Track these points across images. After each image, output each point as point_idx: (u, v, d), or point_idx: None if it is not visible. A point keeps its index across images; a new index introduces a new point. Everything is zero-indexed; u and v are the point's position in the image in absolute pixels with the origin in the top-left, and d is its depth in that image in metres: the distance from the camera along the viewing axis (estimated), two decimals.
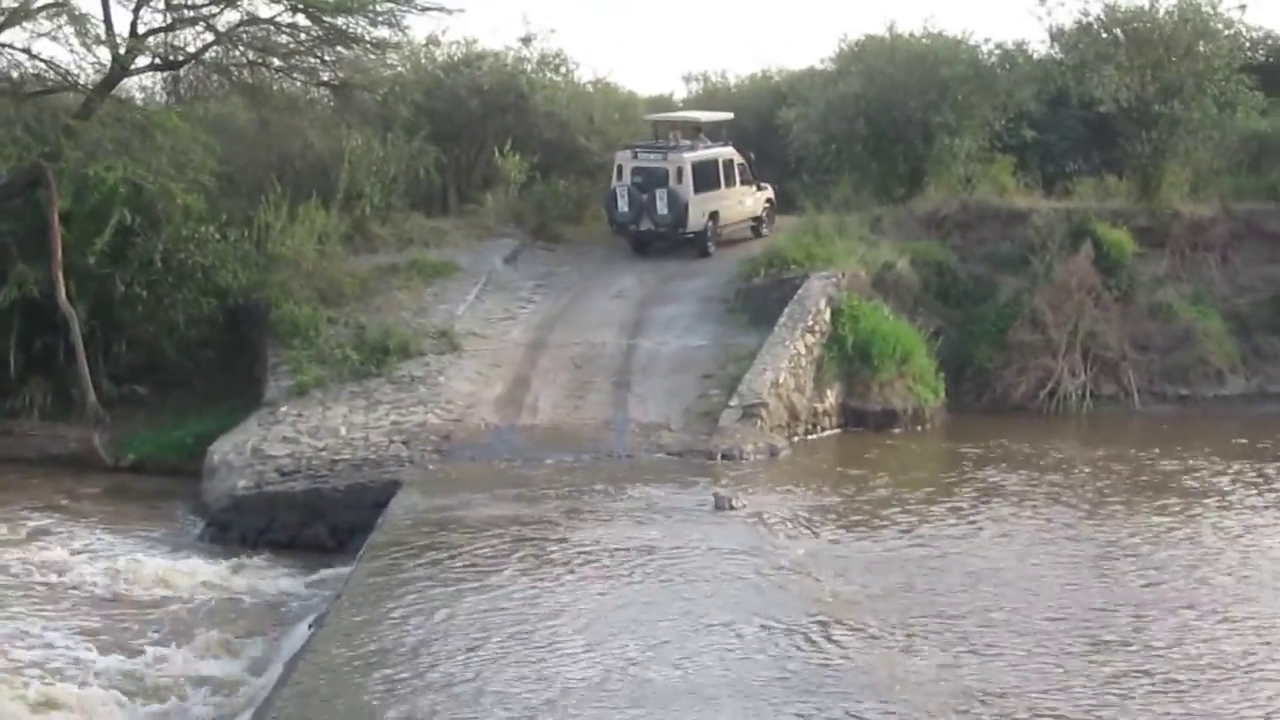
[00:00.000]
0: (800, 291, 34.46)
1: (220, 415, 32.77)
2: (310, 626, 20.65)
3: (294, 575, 25.12)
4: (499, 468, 28.11)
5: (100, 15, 35.47)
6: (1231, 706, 17.33)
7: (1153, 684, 17.81)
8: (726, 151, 42.18)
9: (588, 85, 48.05)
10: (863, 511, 25.99)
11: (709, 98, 52.63)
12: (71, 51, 35.89)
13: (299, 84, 39.32)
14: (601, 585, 20.63)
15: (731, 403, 30.86)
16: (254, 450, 29.66)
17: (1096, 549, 24.06)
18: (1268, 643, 19.57)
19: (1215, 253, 40.20)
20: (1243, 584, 22.31)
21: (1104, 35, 42.89)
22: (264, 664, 20.30)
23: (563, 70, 47.59)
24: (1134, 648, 19.15)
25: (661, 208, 40.03)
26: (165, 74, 39.45)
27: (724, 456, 28.97)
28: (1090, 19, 42.93)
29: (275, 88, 38.68)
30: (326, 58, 38.35)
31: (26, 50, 35.80)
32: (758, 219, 42.79)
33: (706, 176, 40.74)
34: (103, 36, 35.40)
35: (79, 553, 26.07)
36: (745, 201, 42.41)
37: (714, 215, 40.85)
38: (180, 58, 37.71)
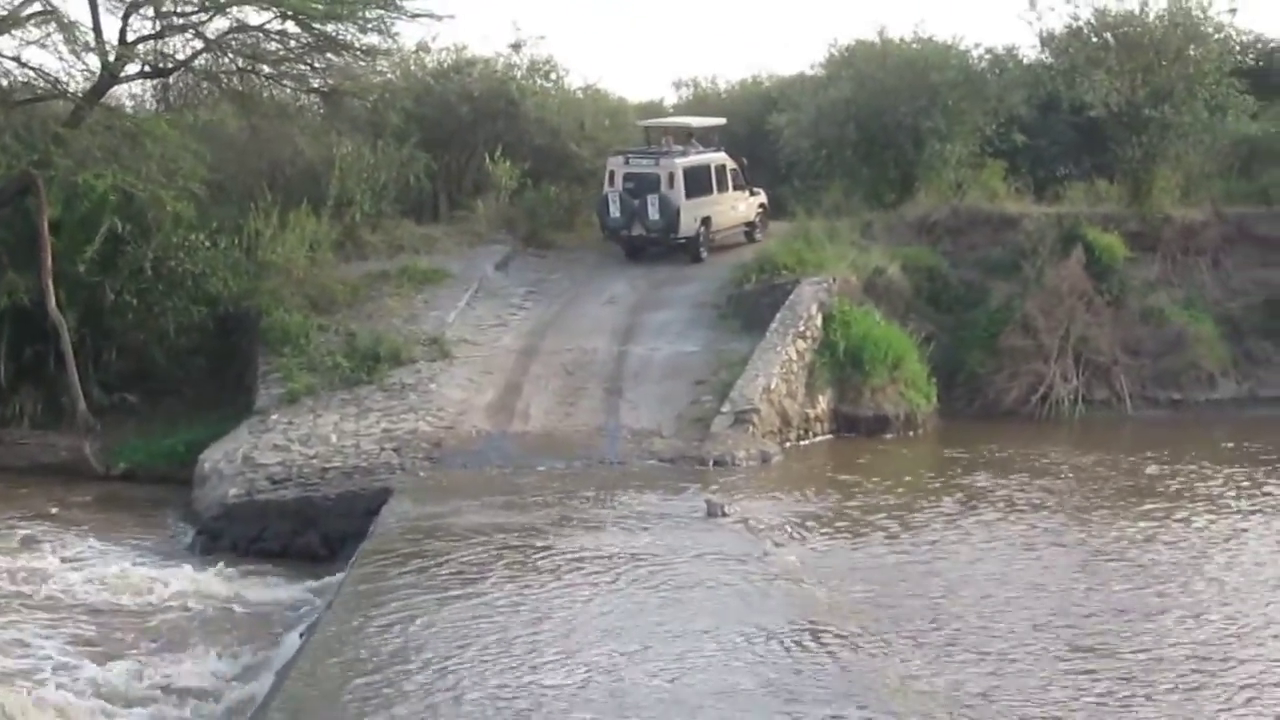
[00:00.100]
0: (792, 297, 34.45)
1: (211, 423, 32.70)
2: (301, 636, 20.57)
3: (285, 584, 24.98)
4: (490, 475, 28.06)
5: (89, 23, 35.37)
6: (1208, 708, 17.35)
7: (1131, 689, 17.81)
8: (719, 157, 42.19)
9: (578, 91, 48.10)
10: (854, 518, 25.98)
11: (699, 103, 52.69)
12: (60, 59, 35.80)
13: (289, 91, 39.24)
14: (592, 593, 20.48)
15: (723, 409, 30.83)
16: (245, 458, 29.57)
17: (1084, 554, 24.11)
18: (1246, 645, 19.59)
19: (1207, 257, 40.28)
20: (1224, 588, 22.30)
21: (1094, 40, 42.95)
22: (255, 673, 20.22)
23: (553, 76, 47.67)
24: (1115, 653, 19.17)
25: (653, 213, 40.05)
26: (155, 81, 39.38)
27: (716, 463, 28.93)
28: (1080, 23, 43.09)
29: (265, 95, 38.61)
30: (316, 65, 38.24)
31: (15, 58, 35.74)
32: (751, 224, 42.81)
33: (698, 182, 40.75)
34: (92, 44, 35.28)
35: (69, 561, 25.90)
36: (738, 207, 42.41)
37: (706, 220, 40.84)
38: (169, 65, 37.58)
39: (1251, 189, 41.94)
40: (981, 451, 31.95)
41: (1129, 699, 17.49)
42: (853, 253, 37.73)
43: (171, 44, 37.27)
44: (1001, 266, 38.79)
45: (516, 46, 47.18)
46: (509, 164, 43.25)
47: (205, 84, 38.85)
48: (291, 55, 37.74)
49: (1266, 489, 29.00)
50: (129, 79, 37.92)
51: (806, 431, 32.79)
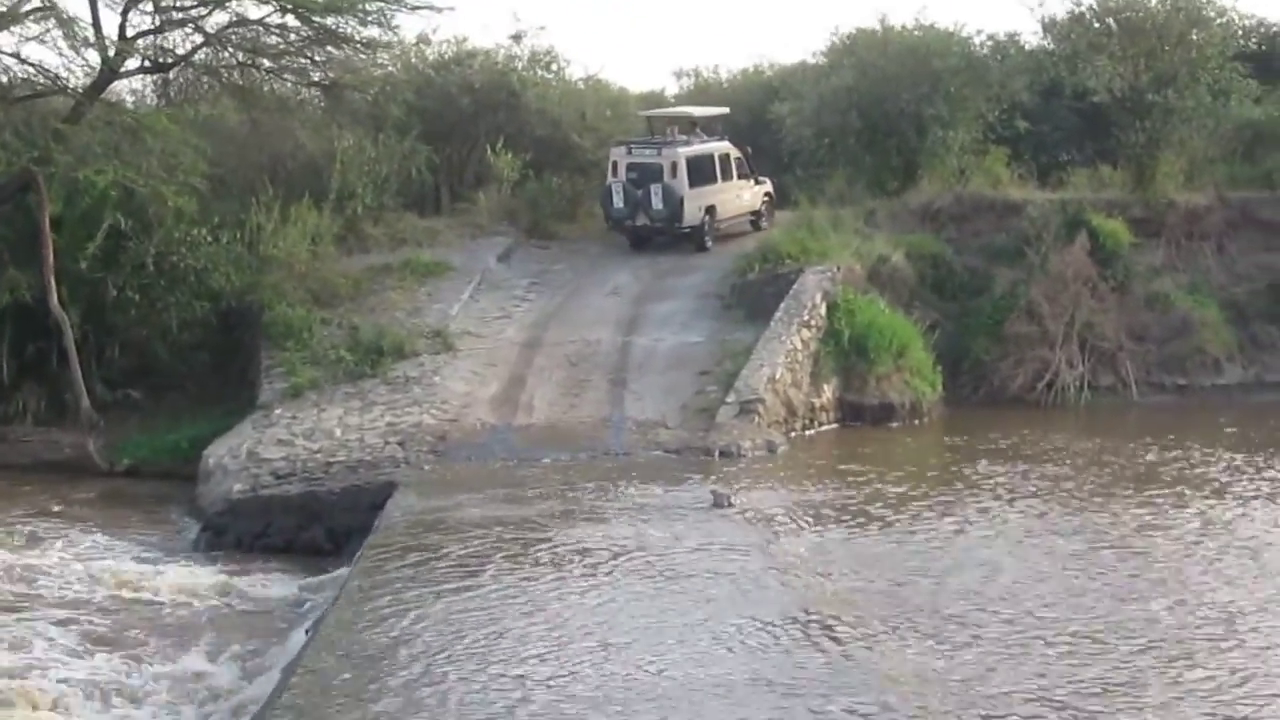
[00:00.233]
0: (796, 286, 34.34)
1: (214, 418, 32.67)
2: (307, 632, 20.50)
3: (290, 579, 24.99)
4: (495, 468, 27.97)
5: (89, 18, 35.34)
6: (1203, 687, 17.32)
7: (1127, 675, 17.68)
8: (722, 146, 42.11)
9: (579, 82, 47.97)
10: (860, 507, 25.82)
11: (701, 93, 52.57)
12: (60, 55, 35.79)
13: (289, 85, 39.26)
14: (593, 586, 20.43)
15: (728, 399, 30.74)
16: (249, 453, 29.55)
17: (1090, 543, 23.87)
18: (1238, 630, 19.54)
19: (1211, 242, 40.15)
20: (1220, 574, 22.15)
21: (1096, 25, 42.82)
22: (260, 670, 20.17)
23: (554, 67, 47.57)
24: (1112, 640, 18.96)
25: (657, 203, 39.98)
26: (155, 76, 39.42)
27: (721, 453, 28.84)
28: (1082, 9, 42.95)
29: (266, 89, 38.62)
30: (317, 58, 38.24)
31: (15, 54, 35.73)
32: (756, 213, 42.71)
33: (702, 171, 40.67)
34: (91, 39, 35.23)
35: (73, 558, 25.88)
36: (743, 195, 42.32)
37: (710, 210, 40.76)
38: (169, 60, 37.62)
39: (1255, 173, 41.78)
40: (986, 439, 31.84)
41: (1126, 685, 17.34)
42: (856, 241, 37.64)
43: (171, 39, 37.39)
44: (1006, 253, 38.66)
45: (517, 37, 47.11)
46: (510, 155, 43.18)
47: (205, 78, 38.86)
48: (292, 49, 37.73)
49: (1268, 474, 28.85)
50: (129, 74, 37.90)
51: (812, 421, 32.69)
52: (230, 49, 37.33)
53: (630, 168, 40.39)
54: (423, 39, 46.36)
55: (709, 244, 40.64)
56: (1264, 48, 46.25)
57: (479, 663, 17.30)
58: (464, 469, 27.98)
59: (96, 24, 35.43)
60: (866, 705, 15.86)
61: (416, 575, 20.94)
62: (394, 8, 37.62)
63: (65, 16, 34.62)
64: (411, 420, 30.41)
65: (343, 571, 23.46)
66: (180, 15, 36.55)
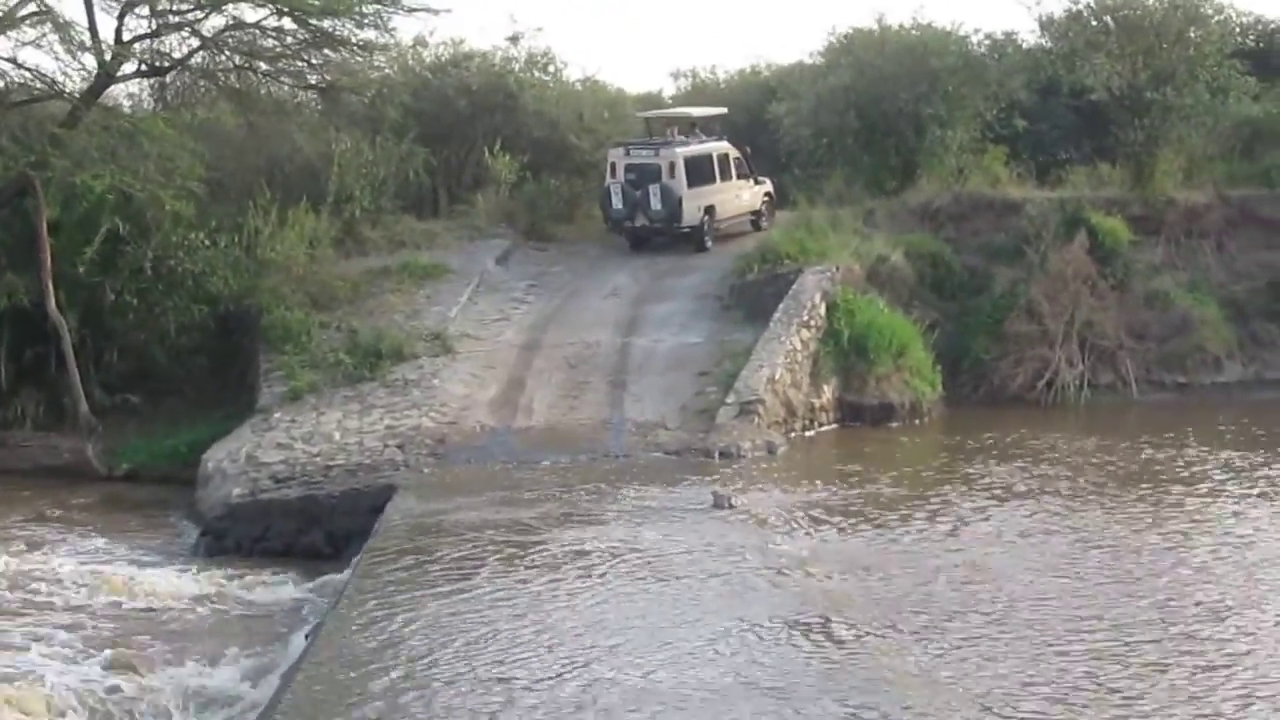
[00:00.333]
0: (795, 286, 34.28)
1: (213, 423, 32.62)
2: (306, 637, 20.44)
3: (290, 584, 24.90)
4: (495, 470, 27.91)
5: (85, 22, 35.31)
6: (1195, 690, 17.30)
7: (1123, 677, 17.63)
8: (721, 146, 42.13)
9: (576, 83, 48.02)
10: (861, 508, 25.77)
11: (698, 94, 52.64)
12: (56, 59, 35.73)
13: (286, 88, 39.23)
14: (592, 588, 20.41)
15: (728, 400, 30.65)
16: (248, 457, 29.46)
17: (1089, 543, 23.84)
18: (1223, 626, 19.58)
19: (1210, 239, 40.08)
20: (1210, 572, 22.14)
21: (1094, 23, 42.75)
22: (260, 675, 20.10)
23: (551, 69, 47.61)
24: (1112, 641, 18.95)
25: (655, 203, 40.01)
26: (152, 80, 39.29)
27: (721, 454, 28.76)
28: (1080, 7, 42.84)
29: (262, 92, 38.59)
30: (313, 61, 38.19)
31: (11, 59, 35.67)
32: (757, 213, 42.75)
33: (700, 171, 40.68)
34: (88, 43, 35.20)
35: (72, 564, 25.78)
36: (742, 195, 42.33)
37: (709, 210, 40.77)
38: (166, 64, 37.51)
39: (1254, 171, 41.74)
40: (987, 439, 31.77)
41: (1121, 685, 17.32)
42: (855, 241, 37.60)
43: (168, 42, 37.28)
44: (1005, 252, 38.62)
45: (514, 39, 47.14)
46: (508, 157, 43.19)
47: (202, 82, 38.78)
48: (288, 52, 37.69)
49: (1265, 472, 28.79)
50: (126, 78, 37.90)
51: (812, 421, 32.62)
52: (227, 52, 37.28)
53: (629, 169, 40.41)
54: (419, 41, 46.46)
55: (709, 244, 40.64)
56: (1262, 45, 46.24)
57: (468, 665, 17.32)
58: (463, 472, 27.91)
59: (93, 28, 35.46)
60: (862, 707, 15.82)
61: (415, 579, 20.89)
62: (390, 10, 37.61)
63: (61, 20, 34.63)
64: (410, 423, 30.35)
65: (342, 575, 23.40)
66: (177, 19, 36.47)
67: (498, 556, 21.76)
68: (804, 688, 16.42)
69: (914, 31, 44.30)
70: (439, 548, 22.33)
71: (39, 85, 36.10)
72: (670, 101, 51.88)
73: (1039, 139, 44.91)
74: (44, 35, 34.89)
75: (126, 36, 35.90)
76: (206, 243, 34.78)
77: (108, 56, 35.34)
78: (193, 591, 24.27)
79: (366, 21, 37.29)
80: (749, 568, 21.22)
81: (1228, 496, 26.98)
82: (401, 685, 16.75)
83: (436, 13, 39.55)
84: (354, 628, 18.80)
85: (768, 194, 43.23)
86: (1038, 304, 36.62)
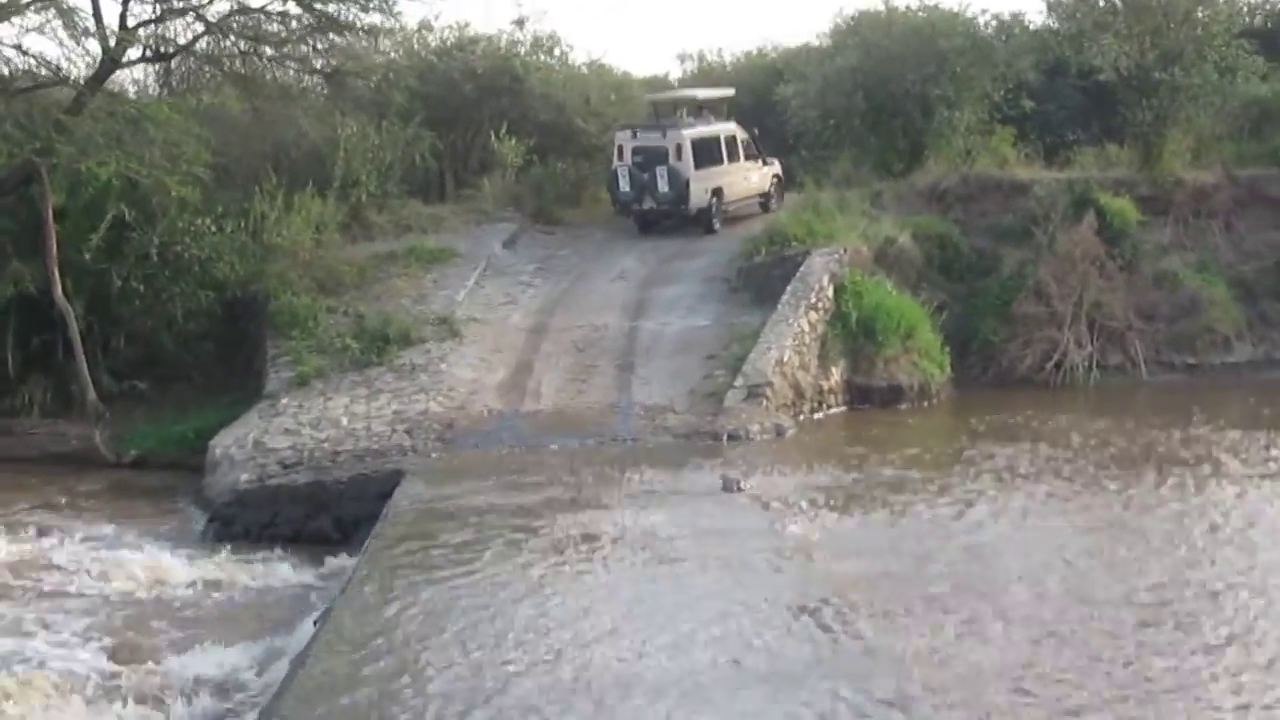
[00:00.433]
0: (802, 269, 34.20)
1: (221, 408, 32.57)
2: (315, 623, 20.39)
3: (298, 570, 24.84)
4: (503, 455, 27.82)
5: (89, 8, 35.17)
6: (1204, 670, 17.32)
7: (1130, 656, 17.65)
8: (729, 127, 42.11)
9: (582, 67, 48.06)
10: (870, 490, 25.75)
11: (704, 76, 52.59)
12: (61, 45, 35.72)
13: (292, 73, 39.07)
14: (603, 572, 20.42)
15: (736, 383, 30.56)
16: (255, 443, 29.39)
17: (1095, 524, 23.86)
18: (1223, 606, 19.58)
19: (1219, 220, 39.94)
20: (1212, 551, 22.18)
21: (1101, 3, 42.57)
22: (268, 661, 20.06)
23: (557, 52, 47.70)
24: (1109, 620, 18.96)
25: (663, 185, 39.99)
26: (157, 66, 39.20)
27: (730, 437, 28.66)
28: None
29: (268, 77, 38.37)
30: (319, 45, 38.06)
31: (16, 46, 35.57)
32: (765, 194, 42.72)
33: (708, 153, 40.66)
34: (92, 29, 35.14)
35: (81, 550, 25.76)
36: (750, 177, 42.30)
37: (717, 192, 40.77)
38: (171, 49, 37.37)
39: (1262, 150, 41.62)
40: (995, 421, 31.71)
41: (1131, 665, 17.30)
42: (863, 223, 37.49)
43: (172, 28, 37.09)
44: (1013, 233, 38.52)
45: (520, 23, 47.23)
46: (514, 141, 43.16)
47: (207, 67, 38.63)
48: (293, 36, 37.53)
49: (1273, 453, 28.69)
50: (130, 64, 37.82)
51: (820, 404, 32.54)
52: (232, 37, 37.13)
53: (635, 151, 40.39)
54: (425, 25, 46.53)
55: (717, 226, 40.63)
56: (1270, 25, 46.19)
57: (472, 649, 17.30)
58: (471, 456, 27.84)
59: (97, 14, 35.30)
60: (878, 691, 15.72)
61: (422, 564, 20.84)
62: None
63: (65, 7, 34.51)
64: (418, 408, 30.28)
65: (351, 561, 23.35)
66: (181, 4, 36.33)
67: (506, 541, 21.70)
68: (813, 671, 16.35)
69: (921, 13, 44.20)
70: (447, 533, 22.27)
71: (43, 72, 36.00)
72: (676, 84, 51.82)
73: (1047, 120, 44.78)
74: (48, 21, 34.84)
75: (131, 22, 35.79)
76: (213, 228, 34.71)
77: (112, 42, 35.23)
78: (200, 577, 24.22)
79: (371, 6, 37.16)
80: (757, 551, 21.15)
81: (1233, 477, 26.87)
82: (402, 670, 16.72)
83: None
84: (362, 613, 18.75)
85: (776, 175, 43.22)
86: (1046, 285, 36.49)
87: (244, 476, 28.25)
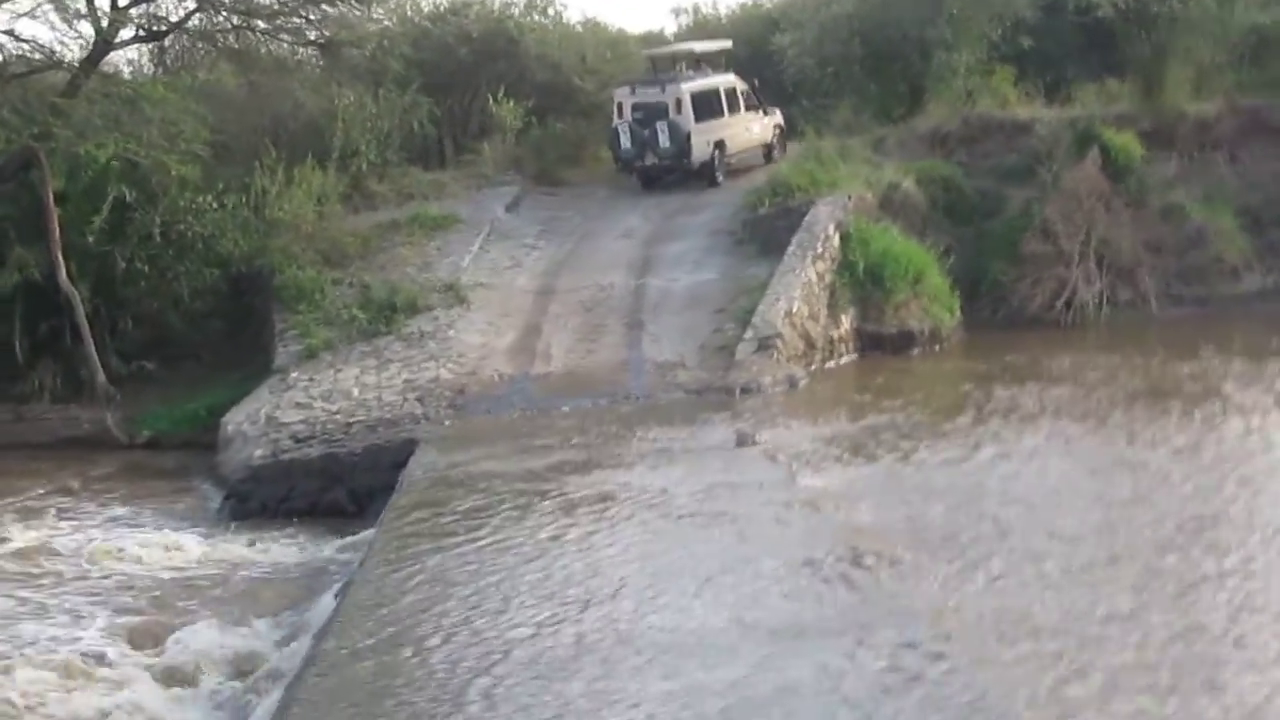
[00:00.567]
0: (807, 218, 34.04)
1: (231, 385, 32.51)
2: (335, 596, 20.35)
3: (316, 543, 24.83)
4: (515, 419, 27.80)
5: None
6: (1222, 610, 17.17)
7: (1142, 599, 17.49)
8: (728, 79, 41.98)
9: (577, 26, 47.91)
10: (886, 438, 25.61)
11: (700, 29, 52.35)
12: (53, 29, 35.64)
13: (286, 45, 39.05)
14: (615, 532, 20.30)
15: (746, 336, 30.41)
16: (267, 418, 29.35)
17: (1111, 463, 23.79)
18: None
19: (1223, 151, 39.76)
20: (1223, 488, 22.02)
21: None
22: (291, 635, 20.02)
23: (550, 12, 47.52)
24: (1126, 563, 18.86)
25: (664, 140, 39.89)
26: (150, 45, 39.15)
27: (742, 391, 28.53)
28: None
29: (262, 51, 38.40)
30: (311, 17, 37.98)
31: (9, 31, 35.48)
32: (768, 145, 42.60)
33: (708, 106, 40.55)
34: (83, 11, 35.05)
35: (97, 533, 25.78)
36: (752, 128, 42.20)
37: (719, 144, 40.66)
38: (164, 27, 37.32)
39: (1264, 79, 41.34)
40: (1007, 362, 31.61)
41: (1145, 608, 17.19)
42: (866, 170, 37.38)
43: (164, 6, 37.20)
44: (1017, 173, 38.37)
45: None
46: (512, 103, 43.01)
47: (201, 44, 38.73)
48: (286, 9, 37.49)
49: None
50: (124, 44, 37.64)
51: (831, 353, 32.43)
52: (224, 12, 37.08)
53: (635, 108, 40.29)
54: None
55: (720, 179, 40.53)
56: None
57: (489, 616, 17.17)
58: (484, 422, 27.80)
59: None
60: (902, 641, 15.54)
61: (435, 532, 20.79)
62: None
63: None
64: (429, 375, 30.22)
65: (368, 533, 23.30)
66: None
67: (518, 505, 21.61)
68: (832, 623, 16.21)
69: None
70: (461, 499, 22.21)
71: (37, 56, 35.97)
72: (673, 39, 51.63)
73: (1046, 57, 44.45)
74: (39, 5, 34.75)
75: (122, 2, 35.69)
76: (214, 205, 34.61)
77: (104, 23, 35.20)
78: (218, 555, 24.23)
79: None
80: (772, 504, 21.01)
81: (1240, 409, 26.73)
82: (403, 642, 16.69)
83: None
84: (383, 587, 18.68)
85: (778, 125, 43.12)
86: (1052, 224, 36.31)
87: (257, 452, 28.23)
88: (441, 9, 47.00)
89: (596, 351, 30.96)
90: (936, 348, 33.51)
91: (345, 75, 40.23)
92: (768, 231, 34.91)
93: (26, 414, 33.24)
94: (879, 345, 33.24)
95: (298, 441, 28.33)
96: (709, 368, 29.68)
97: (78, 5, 34.90)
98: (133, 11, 36.05)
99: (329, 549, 24.51)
